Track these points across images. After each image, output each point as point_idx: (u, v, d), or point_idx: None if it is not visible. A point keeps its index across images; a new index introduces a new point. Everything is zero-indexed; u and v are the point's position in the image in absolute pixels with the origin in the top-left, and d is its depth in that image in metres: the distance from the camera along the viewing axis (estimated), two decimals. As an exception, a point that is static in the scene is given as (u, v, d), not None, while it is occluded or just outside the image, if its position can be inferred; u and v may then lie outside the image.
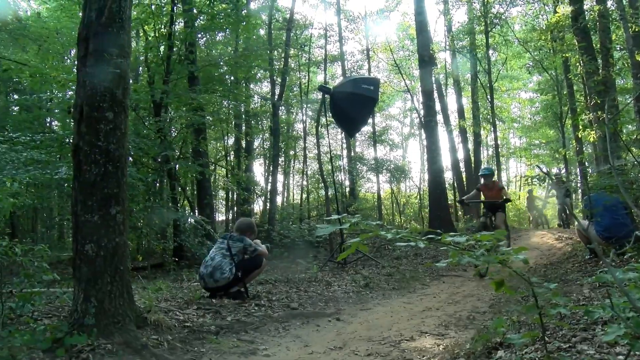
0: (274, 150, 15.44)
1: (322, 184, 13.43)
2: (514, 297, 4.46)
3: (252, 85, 19.30)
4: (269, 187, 16.89)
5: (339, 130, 17.89)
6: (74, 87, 4.44)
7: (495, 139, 20.04)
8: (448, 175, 19.83)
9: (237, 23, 12.19)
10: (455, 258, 1.99)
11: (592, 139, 9.14)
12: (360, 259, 9.43)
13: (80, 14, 3.77)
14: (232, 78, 15.07)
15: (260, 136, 20.96)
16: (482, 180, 8.31)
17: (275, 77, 16.23)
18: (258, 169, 30.22)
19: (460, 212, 18.56)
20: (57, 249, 11.04)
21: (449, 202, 16.00)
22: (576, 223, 7.91)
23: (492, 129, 19.83)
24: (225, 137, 19.78)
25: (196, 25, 11.47)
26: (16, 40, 12.30)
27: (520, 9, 18.84)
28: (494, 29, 17.86)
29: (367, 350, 3.65)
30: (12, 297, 3.71)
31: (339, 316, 4.90)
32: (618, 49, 10.81)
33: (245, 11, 13.68)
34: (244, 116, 17.35)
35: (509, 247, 7.17)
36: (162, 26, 11.32)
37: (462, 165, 19.51)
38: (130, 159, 9.55)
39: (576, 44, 9.36)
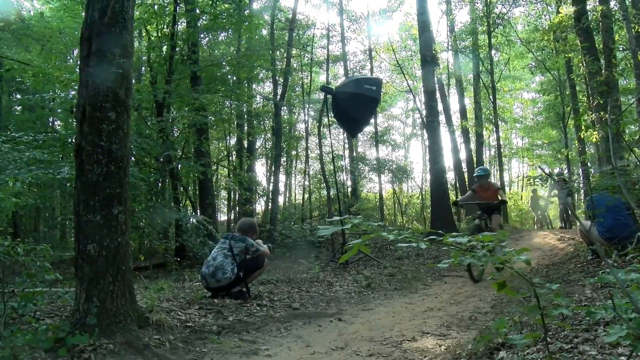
0: (276, 150, 15.44)
1: (324, 184, 13.43)
2: (516, 298, 4.45)
3: (254, 85, 19.31)
4: (271, 187, 16.88)
5: (341, 130, 17.87)
6: (76, 87, 4.44)
7: (498, 139, 20.03)
8: (450, 176, 19.80)
9: (239, 23, 12.19)
10: (457, 259, 1.99)
11: (594, 140, 9.12)
12: (362, 259, 9.43)
13: (83, 13, 3.78)
14: (235, 78, 15.08)
15: (263, 136, 20.98)
16: (477, 181, 8.09)
17: (277, 77, 16.23)
18: (260, 169, 30.28)
19: (462, 212, 18.55)
20: (60, 249, 11.07)
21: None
22: (578, 224, 7.87)
23: (495, 129, 19.82)
24: (228, 137, 19.80)
25: (199, 25, 11.47)
26: (19, 40, 12.32)
27: (523, 9, 18.83)
28: (496, 29, 17.85)
29: (368, 350, 3.65)
30: (14, 296, 3.72)
31: (340, 316, 4.90)
32: (621, 49, 10.78)
33: (247, 11, 13.70)
34: (246, 116, 17.35)
35: None
36: (165, 26, 11.33)
37: (464, 165, 19.48)
38: (133, 158, 9.57)
39: (579, 44, 9.33)
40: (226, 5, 11.56)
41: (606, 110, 7.89)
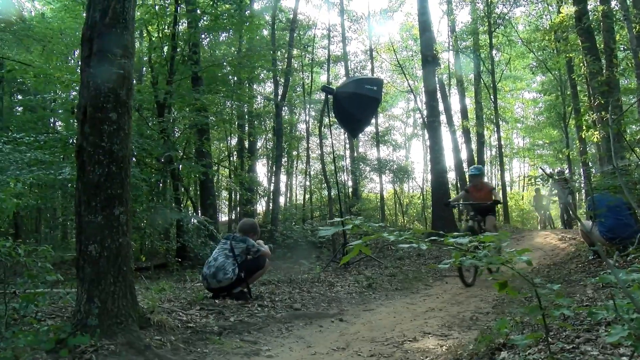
0: (277, 150, 15.44)
1: (325, 185, 13.43)
2: (517, 298, 4.44)
3: (255, 86, 19.32)
4: (271, 188, 16.88)
5: (342, 130, 17.87)
6: (77, 88, 4.45)
7: (499, 139, 20.03)
8: (451, 176, 19.78)
9: (240, 23, 12.19)
10: (458, 259, 1.99)
11: (595, 139, 9.11)
12: (363, 259, 9.43)
13: (84, 14, 3.79)
14: (236, 78, 15.09)
15: (263, 136, 20.99)
16: (470, 181, 7.87)
17: (278, 78, 16.24)
18: (261, 169, 30.30)
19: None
20: (61, 250, 11.08)
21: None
22: (579, 223, 7.85)
23: (496, 129, 19.82)
24: (229, 138, 19.80)
25: (200, 25, 11.48)
26: (20, 40, 12.34)
27: (523, 9, 18.81)
28: (497, 29, 17.84)
29: (370, 351, 3.65)
30: (15, 297, 3.73)
31: (341, 317, 4.90)
32: (622, 49, 10.78)
33: (248, 12, 13.69)
34: (247, 116, 17.36)
35: (499, 266, 6.97)
36: (166, 27, 11.34)
37: (465, 165, 19.44)
38: (134, 159, 9.58)
39: (580, 44, 9.33)
40: (227, 6, 11.56)
41: (607, 110, 7.89)
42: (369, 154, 21.77)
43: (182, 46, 11.06)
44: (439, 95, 16.55)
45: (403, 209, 21.29)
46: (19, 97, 15.63)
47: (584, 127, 10.04)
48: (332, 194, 11.93)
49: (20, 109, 15.49)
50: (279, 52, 15.93)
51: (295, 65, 18.68)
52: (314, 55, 20.29)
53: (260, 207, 20.53)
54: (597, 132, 8.61)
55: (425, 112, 16.34)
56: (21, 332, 3.06)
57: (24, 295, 3.46)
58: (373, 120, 18.35)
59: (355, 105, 8.79)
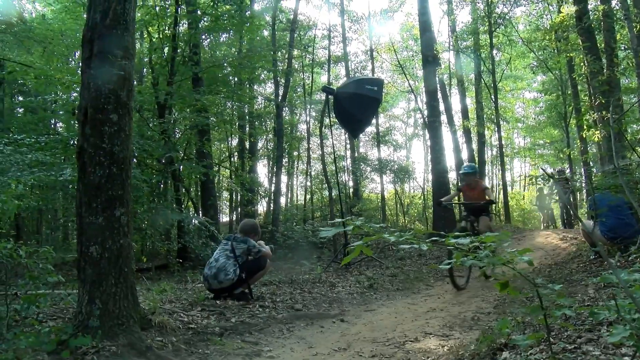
0: (277, 151, 15.45)
1: (326, 185, 13.43)
2: (519, 298, 4.44)
3: (255, 86, 19.31)
4: (272, 188, 16.88)
5: (343, 131, 17.88)
6: (78, 89, 4.46)
7: (500, 139, 20.00)
8: (452, 176, 19.72)
9: (241, 24, 12.20)
10: (459, 260, 1.99)
11: (596, 139, 9.10)
12: (364, 259, 9.43)
13: (85, 15, 3.79)
14: (236, 79, 15.09)
15: (264, 137, 20.99)
16: (463, 180, 7.49)
17: (279, 78, 16.24)
18: (262, 170, 30.24)
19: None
20: (62, 251, 11.08)
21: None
22: (580, 223, 7.83)
23: (496, 129, 19.80)
24: (229, 138, 19.81)
25: (200, 26, 11.48)
26: (21, 42, 12.36)
27: (524, 9, 18.79)
28: (498, 29, 17.83)
29: (371, 351, 3.65)
30: (17, 299, 3.73)
31: (343, 317, 4.90)
32: (623, 48, 10.77)
33: (249, 12, 13.70)
34: (247, 117, 17.36)
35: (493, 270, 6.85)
36: (166, 28, 11.34)
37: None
38: (135, 160, 9.58)
39: (580, 43, 9.32)
40: (227, 7, 11.57)
41: (608, 110, 7.87)
42: (370, 154, 21.77)
43: (183, 47, 11.07)
44: (439, 95, 16.53)
45: (404, 209, 21.29)
46: (20, 98, 15.64)
47: (585, 127, 10.03)
48: (333, 194, 11.93)
49: (21, 110, 15.50)
50: (279, 52, 15.94)
51: (296, 65, 18.69)
52: (315, 56, 20.30)
53: (261, 207, 20.55)
54: (598, 132, 8.60)
55: (426, 112, 16.32)
56: (22, 334, 3.06)
57: (26, 296, 3.46)
58: (374, 121, 18.35)
59: (356, 105, 8.79)
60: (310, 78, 20.62)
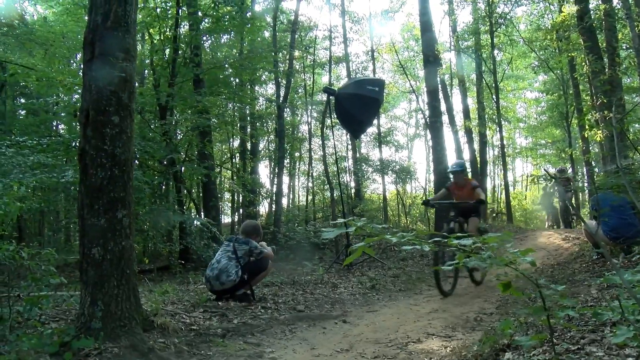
0: (279, 152, 15.44)
1: (328, 186, 13.43)
2: (521, 299, 4.43)
3: (257, 88, 19.31)
4: (274, 189, 16.88)
5: (344, 131, 17.86)
6: (80, 91, 4.46)
7: (501, 139, 19.97)
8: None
9: (241, 25, 12.20)
10: (461, 260, 1.98)
11: (598, 139, 9.09)
12: (366, 260, 9.42)
13: (86, 17, 3.79)
14: (237, 80, 15.09)
15: (266, 138, 20.97)
16: (451, 178, 7.11)
17: (280, 79, 16.24)
18: (263, 171, 30.26)
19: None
20: (64, 252, 11.08)
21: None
22: (583, 223, 7.81)
23: (498, 129, 19.77)
24: (231, 140, 19.80)
25: (201, 28, 11.49)
26: (23, 44, 12.37)
27: (525, 9, 18.77)
28: (499, 29, 17.81)
29: (373, 352, 3.64)
30: (19, 300, 3.74)
31: (345, 318, 4.89)
32: (624, 47, 10.75)
33: (249, 14, 13.71)
34: (249, 118, 17.36)
35: (484, 278, 6.68)
36: (168, 29, 11.35)
37: (468, 165, 19.43)
38: (136, 162, 9.59)
39: (582, 43, 9.31)
40: (228, 8, 11.58)
41: (610, 109, 7.86)
42: (372, 154, 21.75)
43: (184, 49, 11.08)
44: (441, 95, 16.50)
45: (406, 209, 21.26)
46: (22, 100, 15.66)
47: (587, 127, 10.02)
48: (334, 195, 11.92)
49: (23, 112, 15.54)
50: (280, 53, 15.94)
51: (297, 66, 18.67)
52: (316, 57, 20.29)
53: (263, 208, 20.53)
54: (600, 132, 8.58)
55: (427, 113, 16.31)
56: (25, 335, 3.06)
57: (28, 298, 3.47)
58: (375, 121, 18.33)
59: (357, 106, 8.78)
60: (312, 79, 20.61)
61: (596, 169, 11.19)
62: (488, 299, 5.61)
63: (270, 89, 20.52)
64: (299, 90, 20.42)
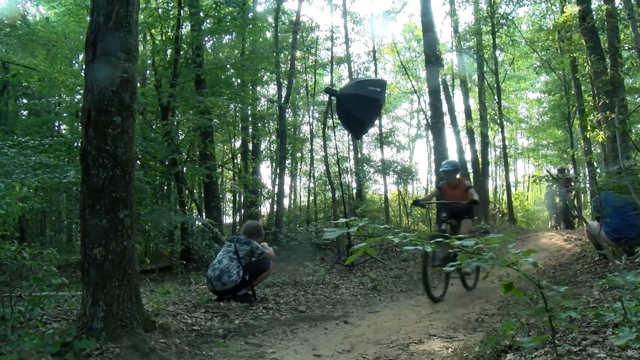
0: (280, 152, 15.45)
1: (329, 186, 13.43)
2: (523, 300, 4.42)
3: (258, 88, 19.33)
4: (276, 190, 16.90)
5: (346, 132, 17.86)
6: (82, 91, 4.47)
7: (503, 139, 19.93)
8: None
9: (243, 26, 12.22)
10: (463, 261, 1.98)
11: (600, 139, 9.07)
12: (367, 261, 9.41)
13: (88, 18, 3.80)
14: (239, 81, 15.10)
15: (267, 139, 20.98)
16: (443, 177, 6.81)
17: (281, 80, 16.24)
18: (265, 171, 30.34)
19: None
20: (66, 253, 11.09)
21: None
22: (585, 224, 7.79)
23: (500, 129, 19.72)
24: (232, 140, 19.81)
25: (203, 28, 11.51)
26: (25, 45, 12.39)
27: (527, 9, 18.77)
28: (500, 29, 17.79)
29: (375, 353, 3.64)
30: (21, 300, 3.74)
31: (346, 319, 4.89)
32: (626, 48, 10.73)
33: (251, 14, 13.72)
34: (250, 119, 17.37)
35: (476, 283, 6.56)
36: (169, 30, 11.38)
37: (469, 166, 19.41)
38: (138, 162, 9.60)
39: (584, 43, 9.30)
40: (230, 9, 11.59)
41: (612, 110, 7.85)
42: (373, 155, 21.74)
43: (186, 49, 11.09)
44: (442, 96, 16.49)
45: (407, 210, 21.25)
46: (24, 101, 15.70)
47: (589, 127, 10.00)
48: (336, 195, 11.91)
49: (25, 112, 15.56)
50: (282, 54, 15.94)
51: (299, 67, 18.68)
52: (317, 57, 20.30)
53: (265, 209, 20.54)
54: (602, 132, 8.56)
55: (428, 113, 16.32)
56: (27, 335, 3.07)
57: (30, 298, 3.47)
58: (377, 122, 18.33)
59: (359, 106, 8.77)
60: (313, 79, 20.61)
61: (598, 170, 11.17)
62: (490, 300, 5.60)
63: (272, 89, 20.56)
64: (301, 91, 20.43)
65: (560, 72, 17.68)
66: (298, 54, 17.35)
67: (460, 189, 6.46)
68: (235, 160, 19.76)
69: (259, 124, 18.45)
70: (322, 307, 5.53)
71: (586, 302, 3.95)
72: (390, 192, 22.05)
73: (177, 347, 3.47)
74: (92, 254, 3.32)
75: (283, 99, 15.65)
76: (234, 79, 14.69)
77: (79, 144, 4.21)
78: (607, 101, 8.11)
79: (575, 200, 15.36)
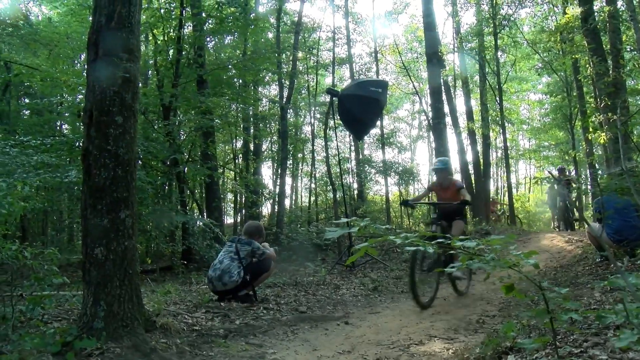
0: (282, 153, 15.45)
1: (331, 187, 13.42)
2: (524, 301, 4.41)
3: (260, 88, 19.34)
4: (277, 190, 16.90)
5: (347, 132, 17.86)
6: (83, 91, 4.47)
7: (505, 141, 19.92)
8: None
9: (245, 26, 12.23)
10: (465, 262, 1.97)
11: (602, 141, 9.05)
12: (368, 261, 9.41)
13: (90, 18, 3.80)
14: (241, 81, 15.12)
15: (269, 139, 21.01)
16: (434, 177, 6.53)
17: (283, 80, 16.25)
18: (266, 171, 30.30)
19: (469, 214, 18.40)
20: (67, 252, 11.12)
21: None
22: (586, 225, 7.78)
23: (501, 130, 19.70)
24: (234, 140, 19.84)
25: (205, 28, 11.52)
26: (27, 45, 12.43)
27: (529, 10, 18.72)
28: (502, 31, 17.77)
29: (375, 354, 3.63)
30: (22, 300, 3.74)
31: (347, 320, 4.88)
32: (628, 49, 10.71)
33: (253, 15, 13.72)
34: (252, 119, 17.38)
35: (468, 287, 6.40)
36: (171, 30, 11.39)
37: (471, 167, 19.40)
38: (140, 162, 9.61)
39: (586, 45, 9.28)
40: (232, 9, 11.60)
41: (614, 111, 7.83)
42: (374, 156, 21.75)
43: (188, 49, 11.11)
44: (444, 97, 16.49)
45: (408, 211, 21.21)
46: (26, 100, 15.73)
47: (590, 129, 9.97)
48: (337, 196, 11.91)
49: (27, 112, 15.58)
50: (283, 54, 15.95)
51: (300, 67, 18.70)
52: (319, 58, 20.31)
53: (266, 209, 20.56)
54: (604, 134, 8.55)
55: (430, 114, 16.32)
56: (28, 335, 3.07)
57: (31, 297, 3.47)
58: (378, 123, 18.32)
59: (360, 107, 8.77)
60: (315, 80, 20.62)
61: (600, 172, 11.15)
62: (491, 301, 5.59)
63: (274, 90, 20.58)
64: (302, 92, 20.44)
65: (562, 73, 17.66)
66: (300, 54, 17.36)
67: (452, 189, 6.23)
68: (237, 161, 19.79)
69: (261, 125, 18.47)
70: (323, 307, 5.53)
71: (587, 304, 3.94)
72: (392, 193, 22.06)
73: (178, 347, 3.48)
74: (94, 253, 3.32)
75: (285, 99, 15.65)
76: (235, 80, 14.71)
77: (81, 144, 4.21)
78: (609, 103, 8.09)
79: (577, 201, 15.29)
